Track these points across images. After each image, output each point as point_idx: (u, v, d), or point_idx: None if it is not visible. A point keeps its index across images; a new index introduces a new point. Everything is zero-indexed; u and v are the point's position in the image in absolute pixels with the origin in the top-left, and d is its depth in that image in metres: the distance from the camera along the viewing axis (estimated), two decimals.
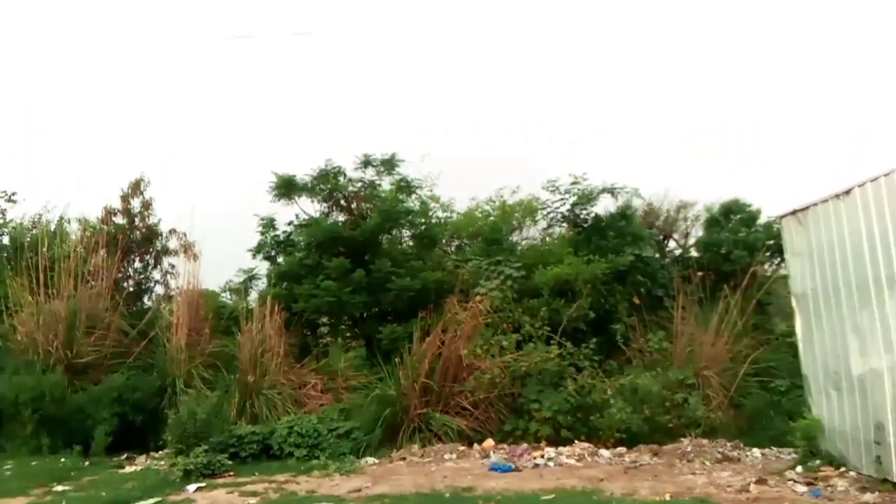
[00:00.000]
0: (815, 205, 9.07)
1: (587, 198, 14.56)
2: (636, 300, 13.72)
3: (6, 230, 15.07)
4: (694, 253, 15.70)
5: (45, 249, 13.21)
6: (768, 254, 14.77)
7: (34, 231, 14.51)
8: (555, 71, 24.76)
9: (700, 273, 13.92)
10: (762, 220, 15.36)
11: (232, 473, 9.85)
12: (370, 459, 10.51)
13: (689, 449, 10.43)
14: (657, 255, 15.15)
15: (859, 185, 8.14)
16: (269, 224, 15.50)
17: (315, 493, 8.77)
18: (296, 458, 10.61)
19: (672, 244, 16.63)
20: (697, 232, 16.27)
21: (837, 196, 8.55)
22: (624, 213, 14.98)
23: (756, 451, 10.57)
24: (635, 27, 24.76)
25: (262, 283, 15.24)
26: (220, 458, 9.95)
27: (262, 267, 15.46)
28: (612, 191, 14.68)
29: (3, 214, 15.32)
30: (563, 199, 14.77)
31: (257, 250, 15.40)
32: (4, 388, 11.55)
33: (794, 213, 9.62)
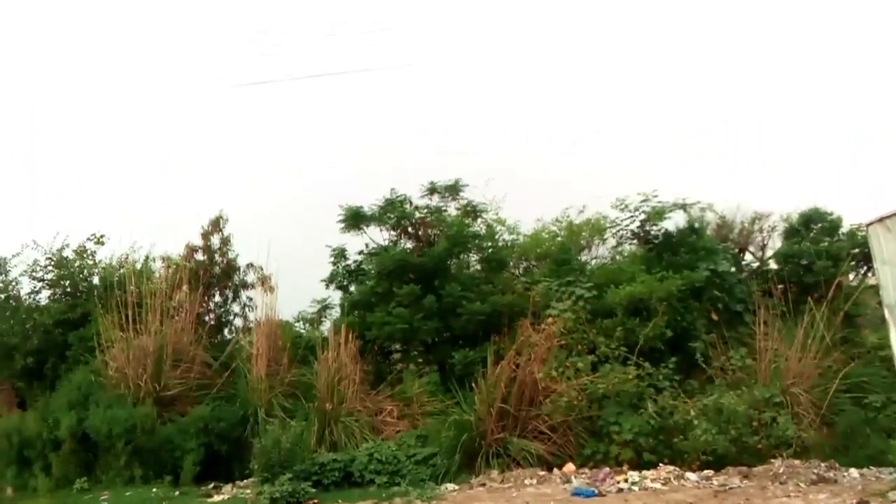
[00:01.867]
0: None
1: (658, 214, 14.29)
2: (714, 316, 13.31)
3: (96, 270, 15.92)
4: (773, 265, 15.09)
5: (132, 287, 13.88)
6: (853, 263, 14.09)
7: (122, 270, 15.26)
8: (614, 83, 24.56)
9: (781, 286, 13.41)
10: (845, 228, 14.67)
11: (316, 501, 10.03)
12: (450, 486, 10.51)
13: (781, 470, 10.01)
14: (733, 269, 14.64)
15: None
16: (340, 254, 15.86)
17: None
18: (377, 485, 10.74)
19: (748, 257, 16.05)
20: (775, 243, 15.64)
21: None
22: (694, 228, 14.62)
23: (853, 472, 10.08)
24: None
25: (335, 313, 15.54)
26: (304, 486, 10.17)
27: (335, 296, 15.79)
28: (683, 206, 14.38)
29: (93, 255, 16.19)
30: (632, 216, 14.55)
31: (330, 280, 15.74)
32: (99, 422, 12.09)
33: (881, 220, 9.25)
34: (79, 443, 12.20)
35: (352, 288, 15.64)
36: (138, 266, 15.42)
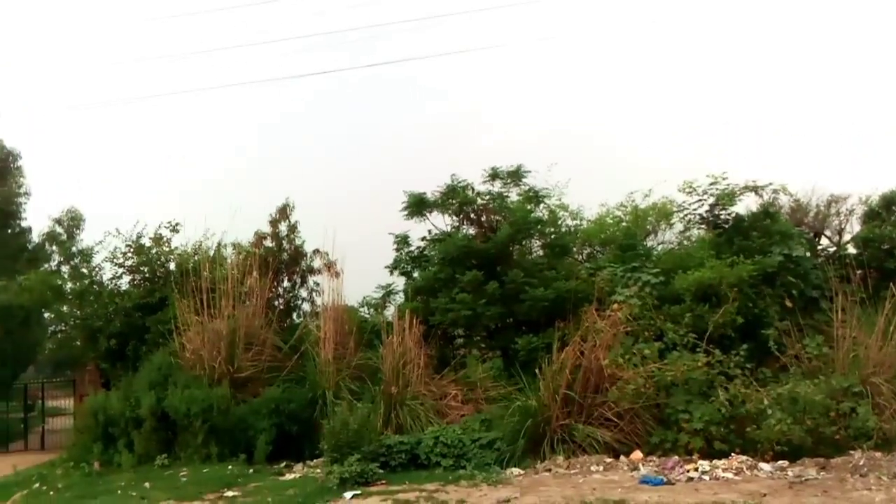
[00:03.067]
0: None
1: (728, 197, 13.85)
2: (788, 303, 12.85)
3: (173, 257, 16.62)
4: (851, 250, 14.47)
5: (206, 273, 14.43)
6: None
7: (196, 257, 15.87)
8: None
9: (860, 271, 12.83)
10: None
11: (384, 482, 10.25)
12: (515, 470, 10.55)
13: (861, 463, 9.60)
14: (808, 255, 14.08)
15: None
16: (403, 241, 16.05)
17: (465, 502, 8.94)
18: (443, 467, 10.88)
19: (825, 242, 15.41)
20: (853, 227, 14.99)
21: None
22: (767, 212, 14.15)
23: None
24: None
25: (399, 298, 15.76)
26: (371, 467, 10.40)
27: (399, 282, 16.00)
28: (755, 188, 13.92)
29: (169, 243, 16.91)
30: (701, 199, 14.15)
31: (394, 266, 15.96)
32: (178, 402, 12.68)
33: None
34: (159, 421, 12.85)
35: (415, 274, 15.82)
36: (211, 253, 16.02)
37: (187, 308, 14.24)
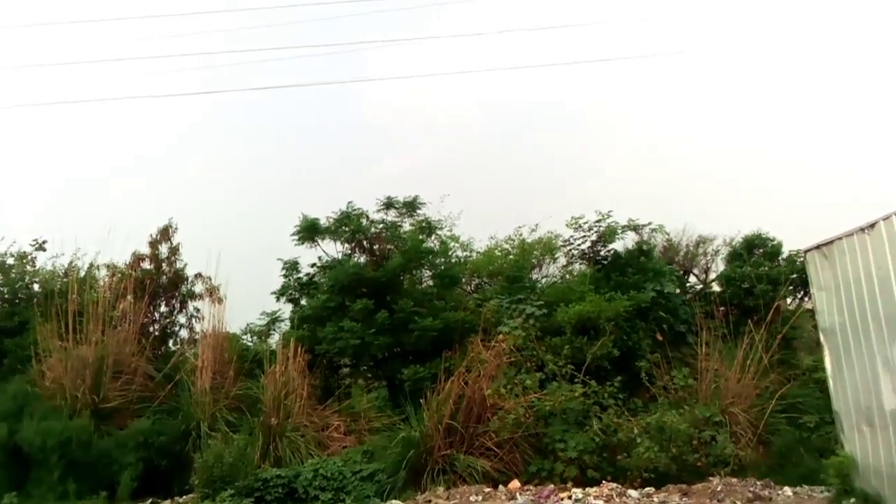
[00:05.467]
0: (840, 239, 9.08)
1: (612, 234, 14.56)
2: (659, 336, 13.60)
3: (37, 278, 15.40)
4: (716, 288, 15.58)
5: (74, 296, 13.47)
6: (791, 288, 14.62)
7: (65, 279, 14.80)
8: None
9: (722, 308, 13.81)
10: (785, 254, 15.24)
11: None
12: (395, 502, 10.44)
13: (719, 489, 10.22)
14: (678, 291, 15.05)
15: (884, 219, 8.16)
16: (292, 267, 15.69)
17: None
18: (321, 501, 10.58)
19: (692, 279, 16.53)
20: (718, 266, 16.17)
21: (862, 230, 8.56)
22: (642, 249, 14.97)
23: (787, 490, 10.32)
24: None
25: (285, 326, 15.35)
26: (245, 503, 9.96)
27: (286, 310, 15.60)
28: (635, 227, 14.70)
29: (33, 262, 15.68)
30: (585, 235, 14.80)
31: (281, 293, 15.54)
32: (32, 434, 11.64)
33: (818, 247, 9.62)
34: (10, 455, 11.73)
35: (303, 301, 15.48)
36: (81, 273, 14.99)
37: (50, 332, 13.20)
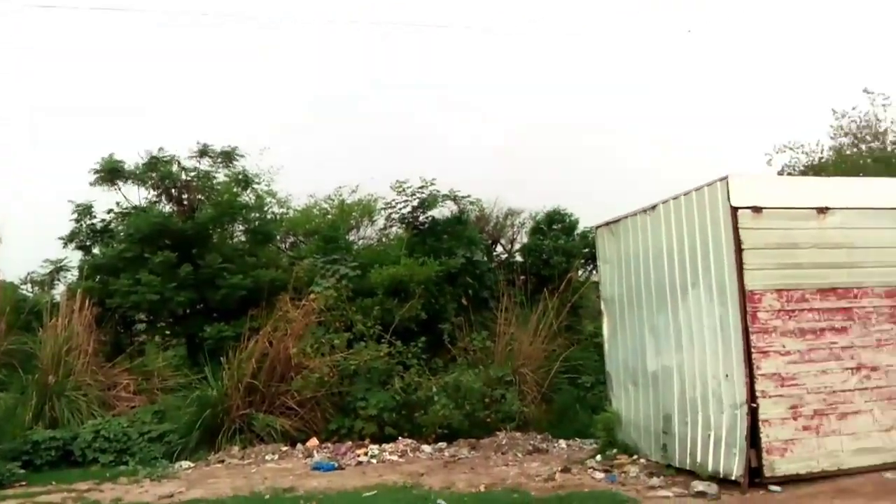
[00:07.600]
0: (626, 218, 10.01)
1: (434, 201, 14.88)
2: (464, 301, 14.26)
3: None
4: (519, 258, 16.61)
5: None
6: (583, 261, 16.00)
7: None
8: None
9: (523, 277, 14.77)
10: (580, 229, 16.56)
11: (24, 483, 8.99)
12: (185, 464, 10.07)
13: (503, 442, 11.10)
14: (485, 259, 15.84)
15: (663, 202, 9.11)
16: (85, 211, 14.30)
17: (121, 500, 8.28)
18: (101, 464, 9.91)
19: (499, 249, 17.49)
20: (523, 238, 17.23)
21: (645, 211, 9.51)
22: (459, 218, 15.52)
23: (562, 443, 11.44)
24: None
25: (72, 276, 13.98)
26: (11, 467, 9.08)
27: (74, 257, 14.21)
28: (454, 198, 15.17)
29: None
30: (407, 200, 15.01)
31: (69, 239, 14.14)
32: None
33: (607, 224, 10.56)
34: None
35: (95, 250, 14.20)
36: None
37: None
